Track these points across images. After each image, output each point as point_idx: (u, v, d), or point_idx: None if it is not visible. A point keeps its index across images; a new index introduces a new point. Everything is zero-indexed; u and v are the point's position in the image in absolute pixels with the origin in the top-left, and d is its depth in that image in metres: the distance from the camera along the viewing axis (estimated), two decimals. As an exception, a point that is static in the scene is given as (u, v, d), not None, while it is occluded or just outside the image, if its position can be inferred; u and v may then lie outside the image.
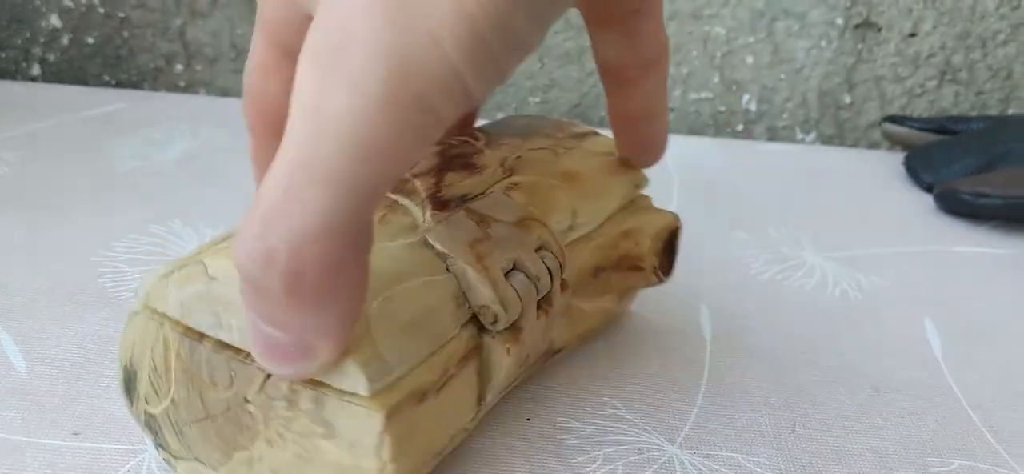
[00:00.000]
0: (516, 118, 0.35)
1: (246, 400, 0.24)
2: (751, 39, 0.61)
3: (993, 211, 0.48)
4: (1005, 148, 0.52)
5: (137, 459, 0.28)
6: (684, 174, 0.54)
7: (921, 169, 0.54)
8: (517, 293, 0.26)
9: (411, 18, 0.17)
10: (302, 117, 0.18)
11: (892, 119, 0.59)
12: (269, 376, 0.23)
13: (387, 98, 0.17)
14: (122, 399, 0.27)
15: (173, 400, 0.25)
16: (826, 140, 0.64)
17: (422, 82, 0.17)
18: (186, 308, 0.24)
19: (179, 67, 0.63)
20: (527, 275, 0.27)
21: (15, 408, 0.30)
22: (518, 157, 0.31)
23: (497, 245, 0.27)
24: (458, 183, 0.28)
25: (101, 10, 0.62)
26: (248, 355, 0.23)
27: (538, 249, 0.28)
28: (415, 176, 0.28)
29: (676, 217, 0.35)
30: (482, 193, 0.29)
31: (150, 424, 0.26)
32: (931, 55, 0.62)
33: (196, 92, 0.64)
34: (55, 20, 0.62)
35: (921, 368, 0.36)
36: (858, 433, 0.32)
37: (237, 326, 0.23)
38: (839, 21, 0.61)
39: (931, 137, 0.57)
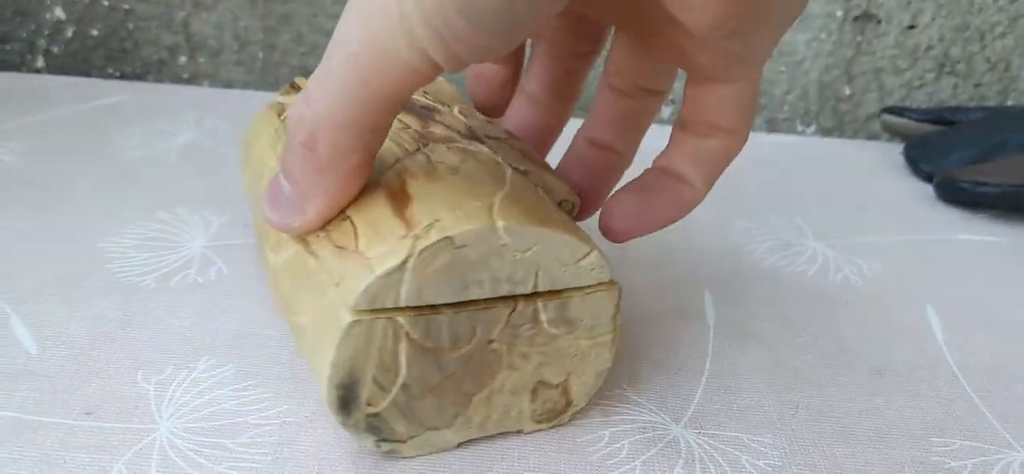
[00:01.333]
0: None
1: (490, 341, 0.27)
2: (751, 31, 0.62)
3: (991, 199, 0.49)
4: (1003, 138, 0.53)
5: (149, 438, 0.29)
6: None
7: (920, 159, 0.55)
8: None
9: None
10: (338, 28, 0.23)
11: (891, 110, 0.59)
12: (513, 310, 0.27)
13: (370, 37, 0.22)
14: (335, 417, 0.26)
15: (403, 384, 0.27)
16: (826, 132, 0.65)
17: (394, 35, 0.22)
18: (426, 288, 0.25)
19: (183, 59, 0.64)
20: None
21: (27, 389, 0.30)
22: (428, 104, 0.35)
23: (533, 155, 0.31)
24: (451, 125, 0.32)
25: (105, 2, 0.62)
26: (489, 301, 0.27)
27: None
28: (431, 130, 0.31)
29: None
30: (472, 127, 0.32)
31: (373, 424, 0.27)
32: (930, 47, 0.62)
33: (199, 84, 0.64)
34: (59, 12, 0.62)
35: (923, 352, 0.37)
36: (861, 414, 0.33)
37: (488, 278, 0.26)
38: (838, 13, 0.61)
39: (929, 128, 0.58)
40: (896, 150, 0.59)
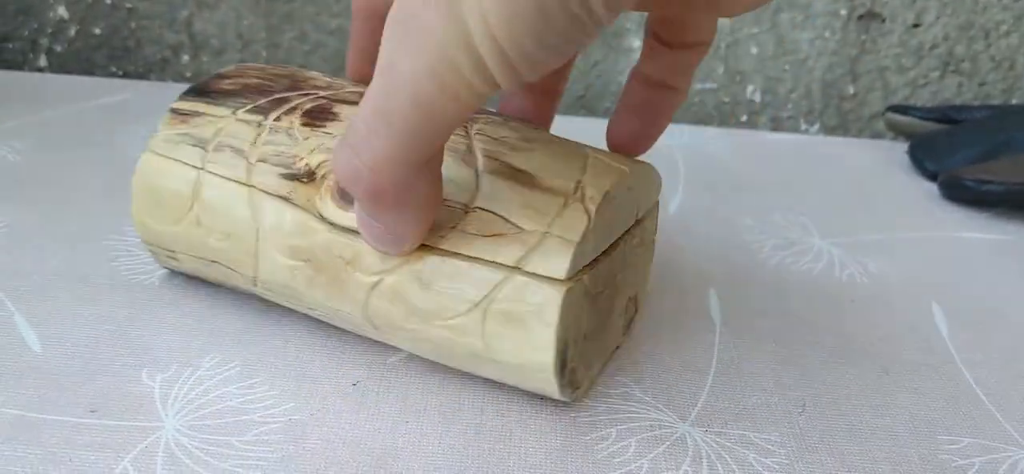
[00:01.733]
0: None
1: (615, 275, 0.31)
2: (755, 30, 0.62)
3: (996, 198, 0.49)
4: (1007, 136, 0.52)
5: (154, 436, 0.28)
6: (689, 163, 0.54)
7: (925, 157, 0.54)
8: None
9: (453, 10, 0.21)
10: (380, 73, 0.24)
11: (895, 108, 0.59)
12: (624, 242, 0.31)
13: (433, 68, 0.22)
14: (554, 384, 0.28)
15: (585, 335, 0.29)
16: (829, 130, 0.64)
17: (459, 61, 0.22)
18: (596, 243, 0.28)
19: (185, 58, 0.64)
20: None
21: (32, 386, 0.30)
22: None
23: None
24: None
25: (108, 1, 0.62)
26: (616, 241, 0.30)
27: None
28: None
29: None
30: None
31: (572, 380, 0.29)
32: (934, 46, 0.62)
33: (202, 83, 0.64)
34: (62, 11, 0.62)
35: (929, 350, 0.37)
36: (868, 412, 0.32)
37: (618, 220, 0.30)
38: (843, 12, 0.61)
39: (934, 126, 0.58)
40: (900, 149, 0.58)
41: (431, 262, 0.28)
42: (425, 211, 0.27)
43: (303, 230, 0.30)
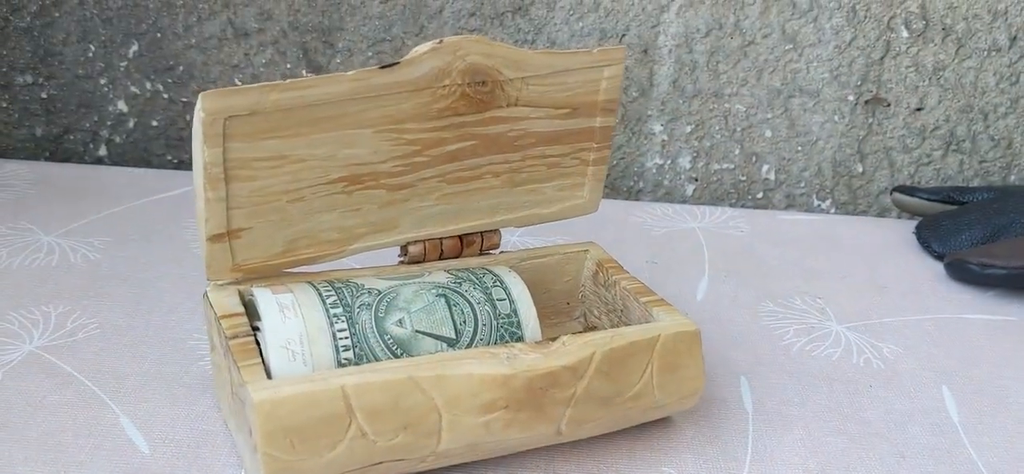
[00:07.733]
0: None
1: None
2: (769, 115, 0.66)
3: (998, 280, 0.53)
4: (1008, 219, 0.56)
5: (261, 532, 0.32)
6: (712, 246, 0.58)
7: (931, 239, 0.58)
8: None
9: None
10: None
11: (902, 189, 0.63)
12: None
13: None
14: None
15: None
16: (840, 206, 0.69)
17: None
18: None
19: (235, 146, 0.68)
20: None
21: (146, 486, 0.34)
22: None
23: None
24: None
25: (165, 96, 0.66)
26: None
27: None
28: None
29: None
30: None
31: None
32: (936, 127, 0.66)
33: (251, 169, 0.69)
34: (122, 105, 0.67)
35: (941, 434, 0.40)
36: (888, 497, 0.36)
37: None
38: (851, 98, 0.65)
39: (939, 207, 0.62)
40: (908, 228, 0.63)
41: (610, 355, 0.35)
42: None
43: (500, 381, 0.33)
